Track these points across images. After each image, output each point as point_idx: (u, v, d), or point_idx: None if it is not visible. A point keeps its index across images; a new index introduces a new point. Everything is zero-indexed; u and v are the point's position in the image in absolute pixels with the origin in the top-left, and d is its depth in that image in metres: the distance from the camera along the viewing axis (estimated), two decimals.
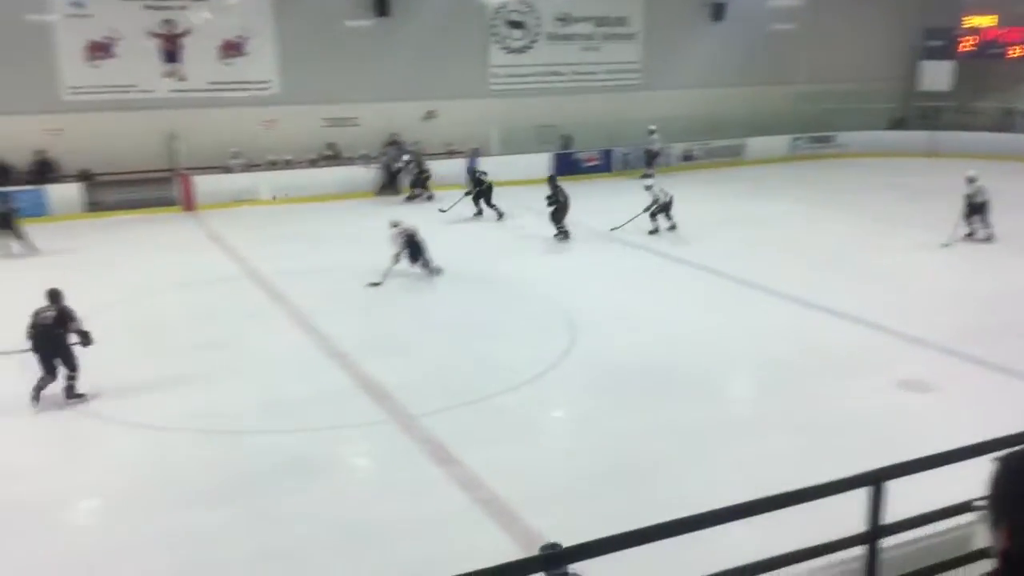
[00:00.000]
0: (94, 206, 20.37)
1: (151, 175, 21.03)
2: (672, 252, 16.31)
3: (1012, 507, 2.19)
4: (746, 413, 9.81)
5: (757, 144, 27.66)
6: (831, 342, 11.41)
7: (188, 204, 20.97)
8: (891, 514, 3.95)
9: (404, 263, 14.50)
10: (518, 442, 8.80)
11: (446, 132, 24.32)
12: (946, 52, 29.12)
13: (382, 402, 9.64)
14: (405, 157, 22.33)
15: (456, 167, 22.48)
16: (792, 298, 13.20)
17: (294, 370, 10.76)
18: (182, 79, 21.90)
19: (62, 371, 9.60)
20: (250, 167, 22.09)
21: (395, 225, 14.78)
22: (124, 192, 20.63)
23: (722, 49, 27.90)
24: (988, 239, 16.30)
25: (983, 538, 3.35)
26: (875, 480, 3.86)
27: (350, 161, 22.90)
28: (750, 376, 10.92)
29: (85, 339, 9.70)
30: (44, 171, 20.33)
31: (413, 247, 14.58)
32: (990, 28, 28.84)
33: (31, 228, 16.91)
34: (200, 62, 21.99)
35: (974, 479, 2.60)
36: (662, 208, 17.52)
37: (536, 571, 3.12)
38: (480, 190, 19.53)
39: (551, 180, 17.37)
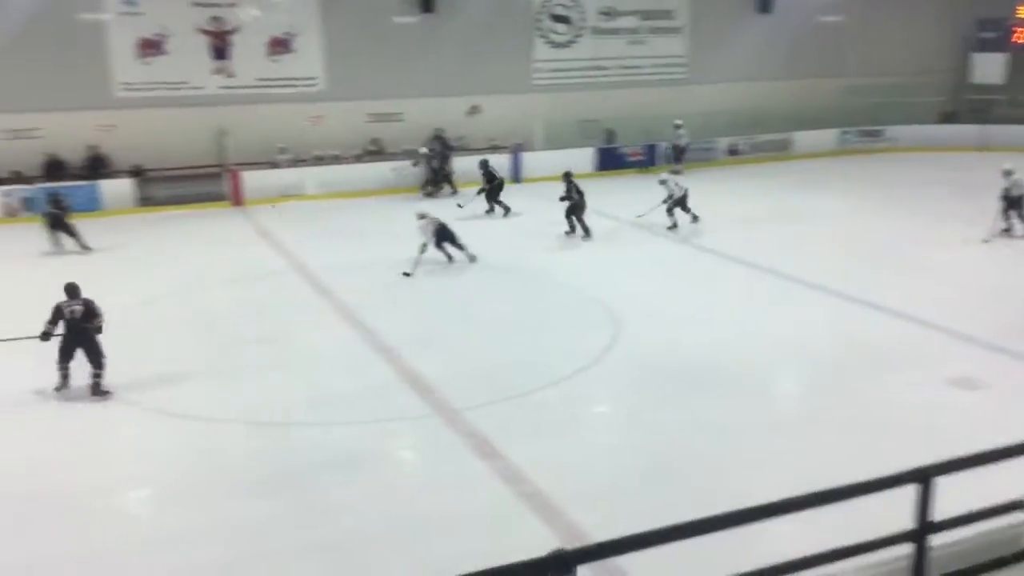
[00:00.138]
0: (145, 201, 20.75)
1: (201, 171, 21.43)
2: (711, 246, 16.21)
3: None
4: (791, 408, 9.76)
5: (804, 138, 27.29)
6: (875, 337, 11.29)
7: (237, 199, 21.31)
8: (939, 512, 3.89)
9: (432, 251, 14.75)
10: (561, 437, 8.85)
11: (489, 127, 24.40)
12: (999, 44, 28.43)
13: (426, 396, 9.74)
14: (423, 149, 22.21)
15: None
16: (835, 292, 13.08)
17: (341, 364, 10.93)
18: (231, 76, 22.25)
19: (88, 368, 9.69)
20: (297, 162, 22.39)
21: (422, 216, 15.07)
22: (174, 187, 21.03)
23: (769, 42, 27.60)
24: None
25: None
26: (923, 477, 3.82)
27: (393, 156, 23.07)
28: (794, 371, 10.86)
29: (99, 331, 9.77)
30: (97, 166, 20.77)
31: (443, 235, 14.86)
32: None
33: (83, 223, 17.22)
34: (248, 59, 22.32)
35: None
36: (677, 202, 17.34)
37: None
38: (492, 186, 19.62)
39: (566, 177, 17.31)
